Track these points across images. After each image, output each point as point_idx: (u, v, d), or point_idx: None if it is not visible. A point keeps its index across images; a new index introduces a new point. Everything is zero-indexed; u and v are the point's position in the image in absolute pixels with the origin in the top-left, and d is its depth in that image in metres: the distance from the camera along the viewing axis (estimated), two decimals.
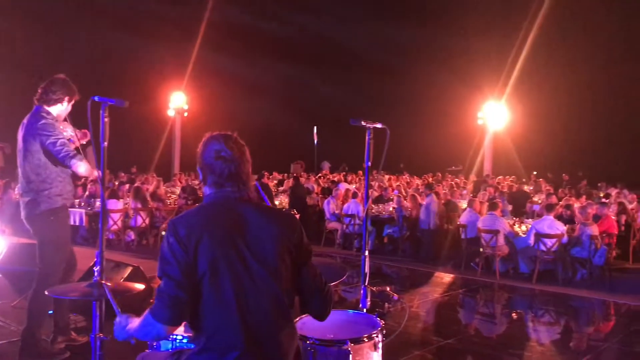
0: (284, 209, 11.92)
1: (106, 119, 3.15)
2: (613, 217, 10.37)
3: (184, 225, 2.23)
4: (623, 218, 10.81)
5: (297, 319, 3.04)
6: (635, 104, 24.40)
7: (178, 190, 14.31)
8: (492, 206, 9.85)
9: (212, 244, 2.20)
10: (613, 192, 15.44)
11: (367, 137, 3.45)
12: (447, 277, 9.52)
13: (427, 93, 26.22)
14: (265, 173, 16.24)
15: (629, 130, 23.86)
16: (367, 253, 3.44)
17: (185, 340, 2.86)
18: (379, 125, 3.46)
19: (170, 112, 24.27)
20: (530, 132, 22.75)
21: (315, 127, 26.30)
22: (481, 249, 9.53)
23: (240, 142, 2.43)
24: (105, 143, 3.14)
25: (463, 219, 10.23)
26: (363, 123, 3.42)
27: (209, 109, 23.64)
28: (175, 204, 12.56)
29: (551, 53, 23.88)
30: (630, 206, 11.63)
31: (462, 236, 10.07)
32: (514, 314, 7.88)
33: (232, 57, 24.50)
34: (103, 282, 2.92)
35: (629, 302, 7.99)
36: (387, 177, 20.10)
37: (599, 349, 6.11)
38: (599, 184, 18.47)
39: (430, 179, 20.58)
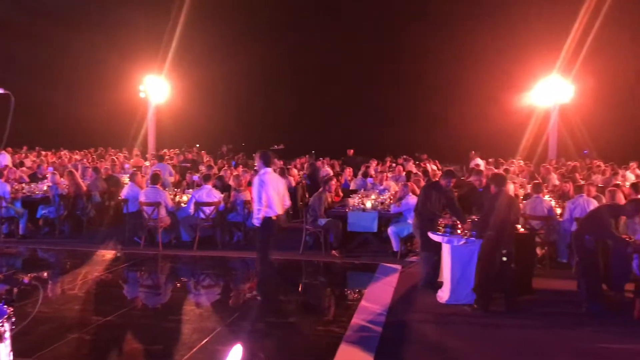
0: None
1: None
2: None
3: None
4: None
5: None
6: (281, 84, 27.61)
7: None
8: (154, 179, 9.86)
9: None
10: None
11: None
12: (110, 254, 9.21)
13: (83, 62, 24.56)
14: None
15: (283, 106, 26.92)
16: None
17: None
18: (0, 91, 3.05)
19: None
20: (191, 106, 23.45)
21: None
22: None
23: None
24: None
25: (124, 193, 10.01)
26: None
27: None
28: None
29: (207, 30, 24.82)
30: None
31: (125, 211, 9.87)
32: (176, 282, 8.13)
33: None
34: None
35: (286, 258, 8.78)
36: (65, 153, 18.28)
37: (250, 304, 6.74)
38: (254, 154, 20.32)
39: (93, 154, 19.54)
